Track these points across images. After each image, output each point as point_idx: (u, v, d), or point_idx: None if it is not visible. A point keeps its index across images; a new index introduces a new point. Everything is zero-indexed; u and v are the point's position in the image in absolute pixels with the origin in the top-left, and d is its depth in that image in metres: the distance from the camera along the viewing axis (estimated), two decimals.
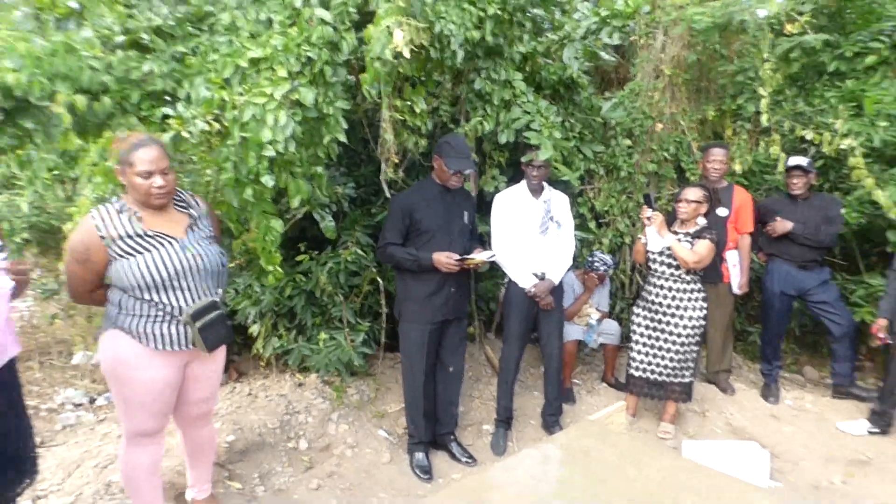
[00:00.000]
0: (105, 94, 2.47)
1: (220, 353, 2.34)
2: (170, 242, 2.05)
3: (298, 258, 3.42)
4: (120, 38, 2.62)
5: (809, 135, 4.11)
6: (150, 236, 2.03)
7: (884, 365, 3.87)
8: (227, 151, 2.36)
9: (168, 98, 2.64)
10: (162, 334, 2.06)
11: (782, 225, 3.77)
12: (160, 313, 2.05)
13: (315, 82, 2.48)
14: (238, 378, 3.78)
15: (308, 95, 2.39)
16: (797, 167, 3.76)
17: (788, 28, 4.18)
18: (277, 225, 2.52)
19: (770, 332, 4.05)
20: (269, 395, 3.44)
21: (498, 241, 3.25)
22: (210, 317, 2.08)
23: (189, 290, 2.07)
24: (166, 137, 2.32)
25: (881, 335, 3.35)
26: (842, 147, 3.91)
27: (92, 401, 3.65)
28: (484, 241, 3.39)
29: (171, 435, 2.80)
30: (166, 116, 2.46)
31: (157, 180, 2.01)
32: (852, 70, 4.36)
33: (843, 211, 3.82)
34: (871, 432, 3.50)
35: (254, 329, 3.47)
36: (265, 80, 2.38)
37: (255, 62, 2.44)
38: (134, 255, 1.99)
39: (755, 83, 4.33)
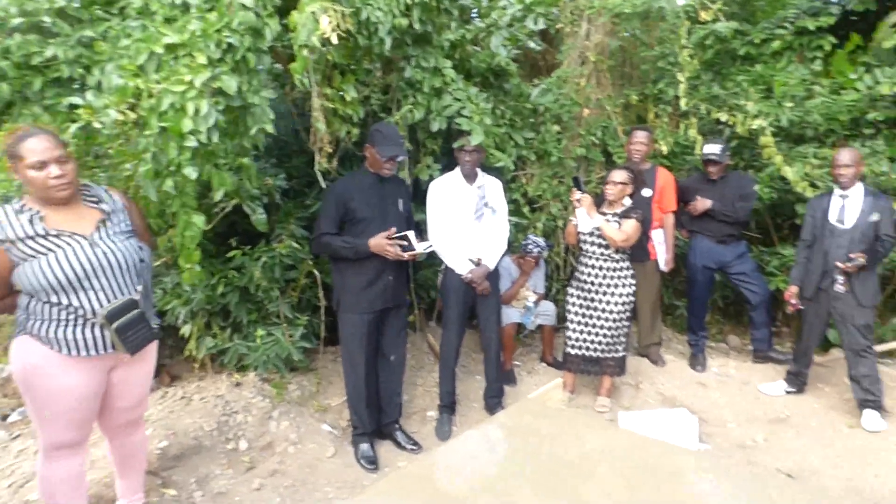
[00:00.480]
0: (2, 81, 2.28)
1: (149, 356, 2.22)
2: (76, 240, 1.92)
3: (230, 254, 3.29)
4: (17, 21, 2.42)
5: (724, 117, 4.36)
6: (53, 235, 1.89)
7: (797, 329, 4.17)
8: (145, 142, 2.24)
9: (76, 86, 2.47)
10: (76, 339, 1.93)
11: (702, 204, 3.97)
12: (71, 316, 1.92)
13: (238, 70, 2.37)
14: (171, 382, 3.62)
15: (231, 83, 2.29)
16: (709, 159, 3.96)
17: (703, 16, 4.41)
18: (199, 221, 2.38)
19: (695, 305, 4.27)
20: (205, 396, 3.31)
21: (434, 228, 3.26)
22: (128, 316, 1.96)
23: (102, 289, 1.95)
24: (74, 128, 2.17)
25: (793, 301, 3.60)
26: (753, 127, 4.17)
27: (4, 417, 3.39)
28: (421, 230, 3.38)
29: (97, 445, 2.65)
30: (74, 106, 2.30)
31: (54, 170, 1.87)
32: (761, 55, 4.66)
33: (756, 187, 4.06)
34: (788, 392, 3.77)
35: (185, 329, 3.32)
36: (184, 67, 2.26)
37: (171, 48, 2.31)
38: (36, 257, 1.86)
39: (675, 68, 4.53)
